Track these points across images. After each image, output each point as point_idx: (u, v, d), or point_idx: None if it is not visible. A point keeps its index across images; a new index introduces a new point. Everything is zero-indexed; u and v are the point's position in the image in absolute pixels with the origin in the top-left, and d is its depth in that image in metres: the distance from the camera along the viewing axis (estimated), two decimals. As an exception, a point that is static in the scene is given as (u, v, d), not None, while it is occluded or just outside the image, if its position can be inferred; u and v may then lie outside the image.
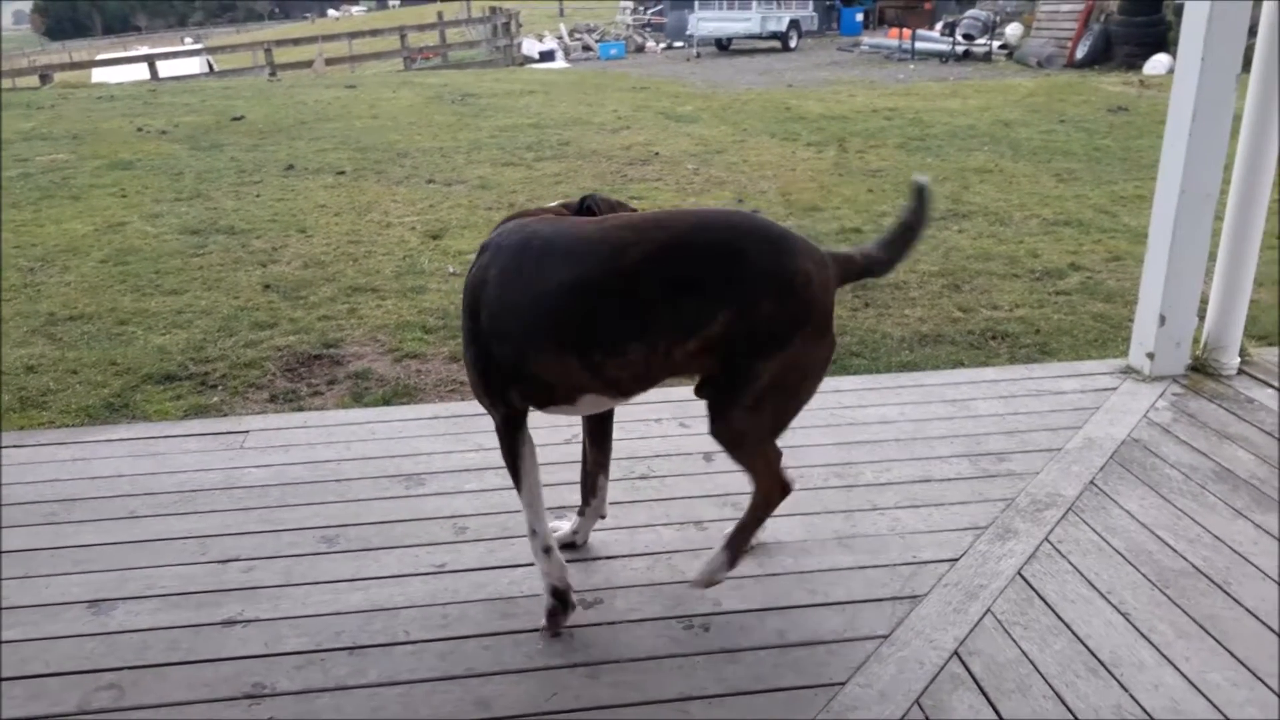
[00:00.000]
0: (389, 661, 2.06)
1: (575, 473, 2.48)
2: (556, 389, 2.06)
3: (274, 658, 2.07)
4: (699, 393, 2.06)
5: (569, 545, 2.42)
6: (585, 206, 2.22)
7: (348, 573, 2.34)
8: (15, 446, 3.02)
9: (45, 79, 18.10)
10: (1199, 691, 1.92)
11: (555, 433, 2.90)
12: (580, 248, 1.98)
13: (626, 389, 2.05)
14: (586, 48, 26.99)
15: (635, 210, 2.23)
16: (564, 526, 2.45)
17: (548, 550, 2.13)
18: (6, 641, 2.11)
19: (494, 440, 2.99)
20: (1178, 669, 1.98)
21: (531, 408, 2.12)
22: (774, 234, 2.00)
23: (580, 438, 2.43)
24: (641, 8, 33.31)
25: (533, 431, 2.16)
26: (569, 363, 1.98)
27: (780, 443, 2.83)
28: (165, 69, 19.84)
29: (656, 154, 8.62)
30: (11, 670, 2.03)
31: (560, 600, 2.13)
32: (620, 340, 1.94)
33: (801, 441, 2.94)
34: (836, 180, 7.43)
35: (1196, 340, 3.41)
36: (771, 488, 2.15)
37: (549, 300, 1.96)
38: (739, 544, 2.17)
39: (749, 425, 2.03)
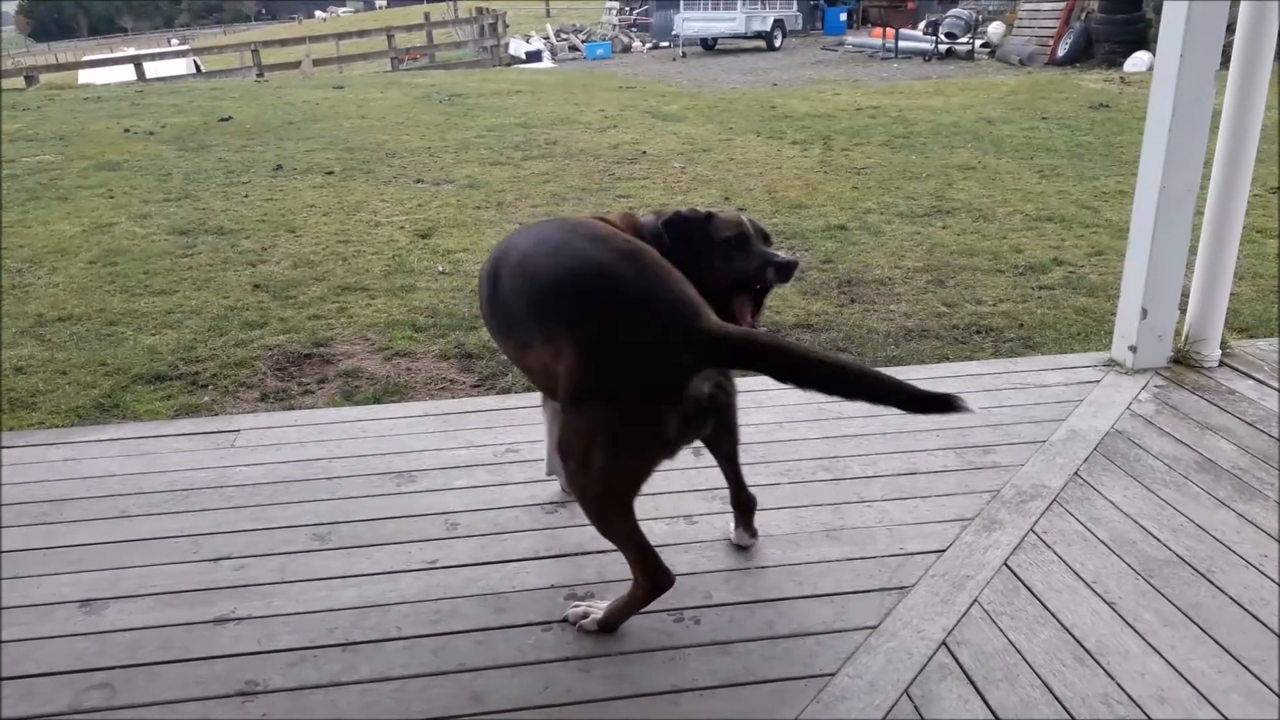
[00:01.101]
0: (382, 658, 2.06)
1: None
2: None
3: (267, 655, 2.07)
4: None
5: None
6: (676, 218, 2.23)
7: (340, 570, 2.35)
8: (6, 447, 3.01)
9: (31, 80, 17.99)
10: (1184, 679, 1.95)
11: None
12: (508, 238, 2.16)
13: (536, 382, 2.10)
14: (573, 48, 26.99)
15: (732, 220, 2.22)
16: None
17: None
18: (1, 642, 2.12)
19: (483, 437, 3.03)
20: (1163, 657, 2.01)
21: None
22: (605, 277, 1.84)
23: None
24: (627, 8, 33.31)
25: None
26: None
27: (769, 436, 2.86)
28: (152, 70, 19.77)
29: (644, 153, 8.64)
30: (3, 670, 2.03)
31: None
32: (496, 327, 2.11)
33: (789, 436, 2.96)
34: (822, 178, 7.46)
35: (1178, 333, 3.45)
36: (640, 579, 2.03)
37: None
38: (615, 618, 2.11)
39: (580, 484, 1.96)
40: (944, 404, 1.83)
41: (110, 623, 2.17)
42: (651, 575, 2.03)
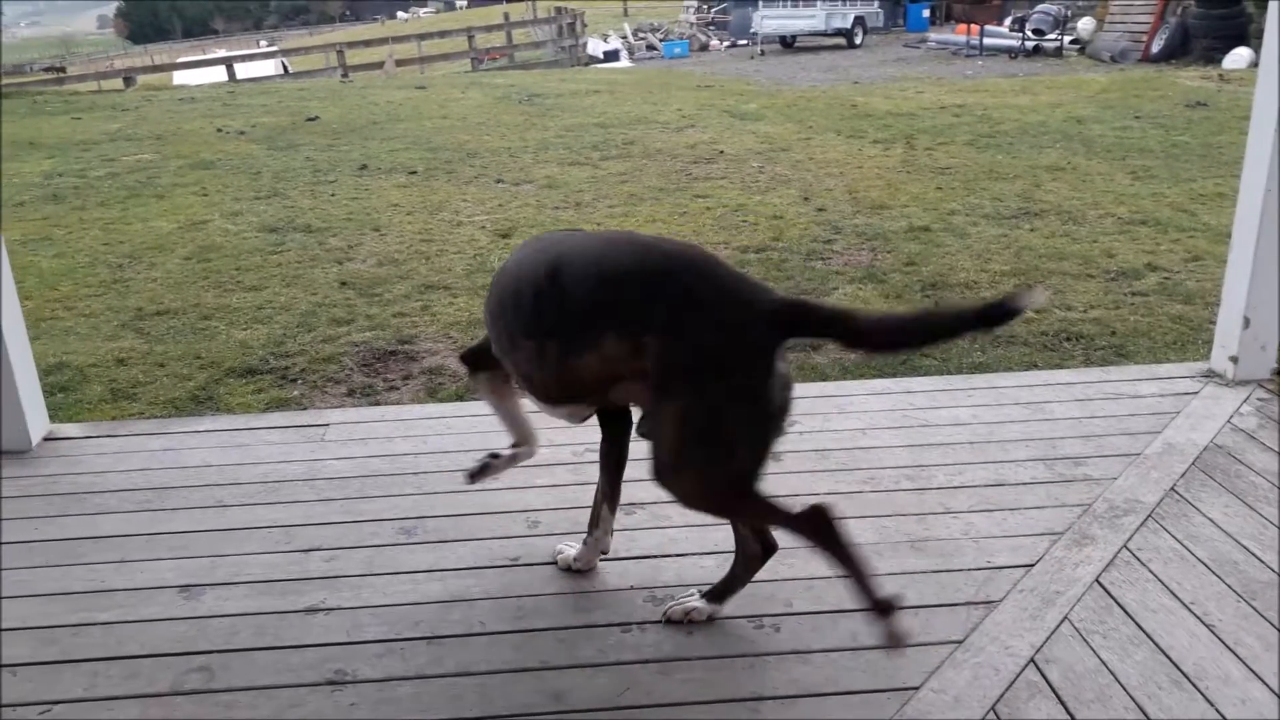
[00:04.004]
0: (466, 652, 2.10)
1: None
2: None
3: (355, 645, 2.13)
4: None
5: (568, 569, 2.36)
6: None
7: (425, 564, 2.40)
8: (109, 436, 3.16)
9: (129, 82, 18.74)
10: (1288, 707, 1.87)
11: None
12: None
13: (577, 385, 2.01)
14: (650, 47, 27.04)
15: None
16: (568, 550, 2.37)
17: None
18: (104, 623, 2.21)
19: (563, 436, 3.03)
20: (1266, 684, 1.93)
21: None
22: (686, 263, 1.91)
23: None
24: (705, 6, 33.22)
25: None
26: None
27: (851, 443, 2.82)
28: (242, 71, 20.43)
29: (721, 152, 8.61)
30: (109, 651, 2.12)
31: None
32: (546, 330, 1.99)
33: (872, 443, 2.93)
34: (904, 178, 7.34)
35: (1283, 344, 3.30)
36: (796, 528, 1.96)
37: None
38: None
39: (697, 469, 1.92)
40: (1007, 311, 1.77)
41: (208, 608, 2.26)
42: (796, 523, 1.92)
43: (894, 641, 1.88)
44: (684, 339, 1.80)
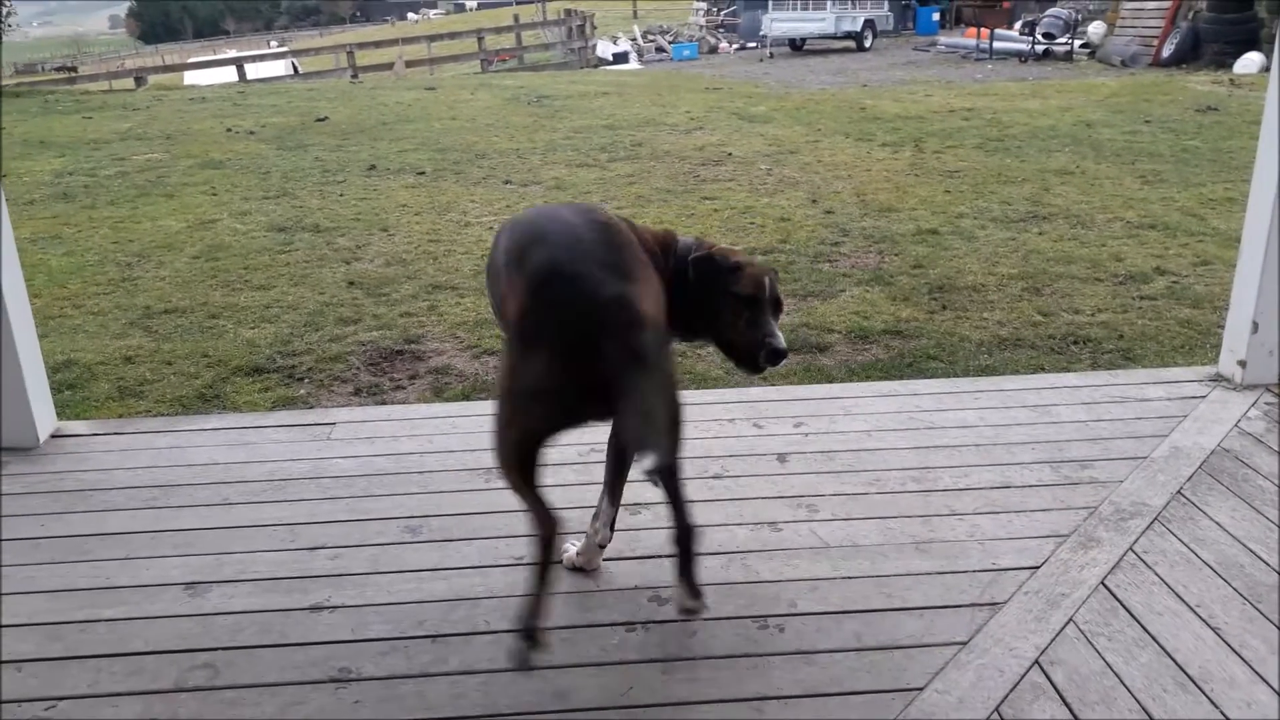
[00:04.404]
0: (470, 651, 2.10)
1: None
2: None
3: (360, 644, 2.13)
4: None
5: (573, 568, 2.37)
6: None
7: (430, 562, 2.40)
8: (116, 434, 3.17)
9: (140, 81, 18.80)
10: (1293, 710, 1.86)
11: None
12: None
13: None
14: (660, 49, 27.05)
15: (755, 280, 2.21)
16: (571, 548, 2.38)
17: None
18: (109, 620, 2.22)
19: (569, 436, 3.02)
20: (1271, 686, 1.92)
21: None
22: (564, 235, 1.98)
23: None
24: (715, 9, 33.24)
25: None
26: None
27: (857, 444, 2.83)
28: (252, 71, 20.48)
29: (729, 154, 8.61)
30: (113, 647, 2.13)
31: None
32: (489, 282, 2.25)
33: (877, 445, 2.92)
34: (912, 181, 7.33)
35: (1292, 348, 3.29)
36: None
37: None
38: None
39: (493, 426, 2.03)
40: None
41: (213, 606, 2.26)
42: (537, 525, 2.00)
43: (518, 661, 1.94)
44: (514, 298, 1.92)
